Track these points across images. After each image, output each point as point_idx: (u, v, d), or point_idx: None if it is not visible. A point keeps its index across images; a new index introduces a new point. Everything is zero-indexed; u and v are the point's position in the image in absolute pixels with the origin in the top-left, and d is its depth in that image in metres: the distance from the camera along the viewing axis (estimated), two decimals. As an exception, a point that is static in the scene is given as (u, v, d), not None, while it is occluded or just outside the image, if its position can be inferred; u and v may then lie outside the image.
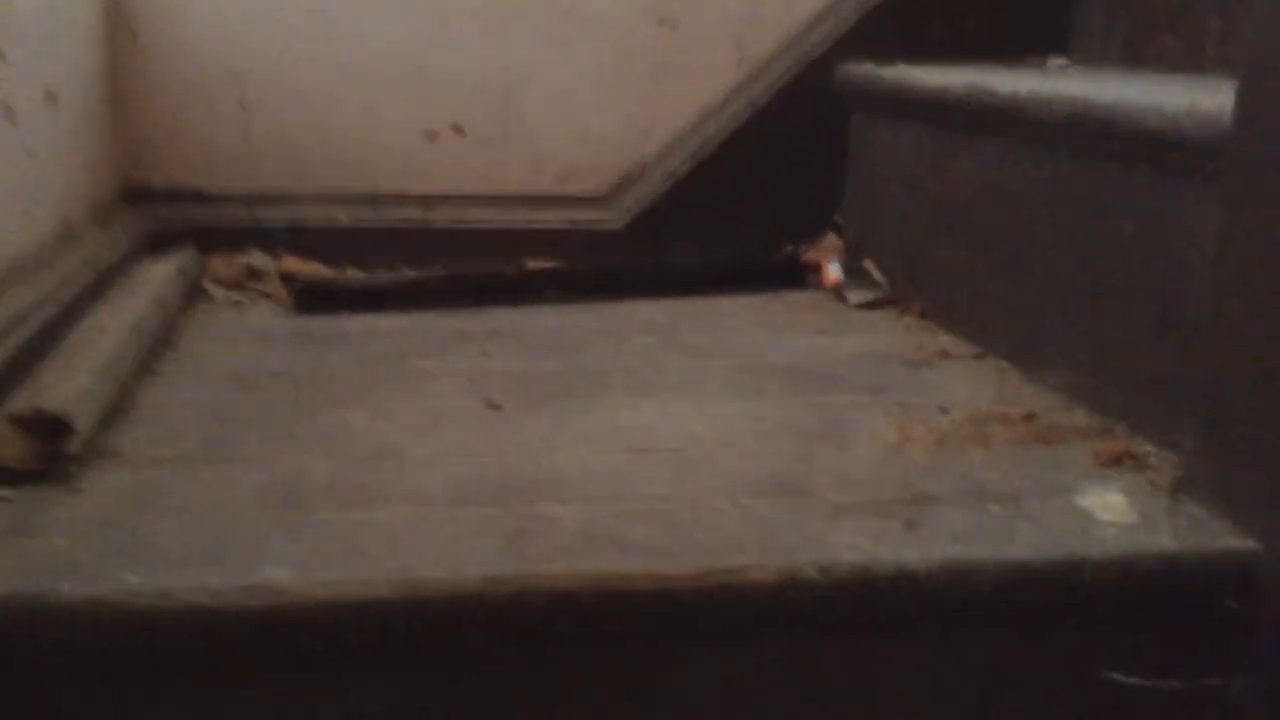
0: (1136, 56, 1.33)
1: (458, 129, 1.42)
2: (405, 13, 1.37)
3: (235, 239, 1.37)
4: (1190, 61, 1.24)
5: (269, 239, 1.38)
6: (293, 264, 1.33)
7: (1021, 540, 0.71)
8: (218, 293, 1.25)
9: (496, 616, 0.63)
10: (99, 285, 1.10)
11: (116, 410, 0.88)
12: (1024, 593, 0.68)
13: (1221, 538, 0.71)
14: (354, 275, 1.34)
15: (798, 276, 1.39)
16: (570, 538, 0.69)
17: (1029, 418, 0.93)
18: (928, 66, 1.30)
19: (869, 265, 1.34)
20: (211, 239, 1.36)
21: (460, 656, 0.65)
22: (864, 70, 1.37)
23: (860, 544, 0.69)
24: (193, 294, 1.23)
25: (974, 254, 1.15)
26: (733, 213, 1.46)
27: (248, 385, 0.97)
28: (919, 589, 0.67)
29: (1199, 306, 0.81)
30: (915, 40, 1.42)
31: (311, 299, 1.22)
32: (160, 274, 1.16)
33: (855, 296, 1.30)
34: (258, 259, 1.33)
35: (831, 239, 1.44)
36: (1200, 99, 0.82)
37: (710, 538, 0.70)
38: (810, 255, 1.43)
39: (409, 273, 1.32)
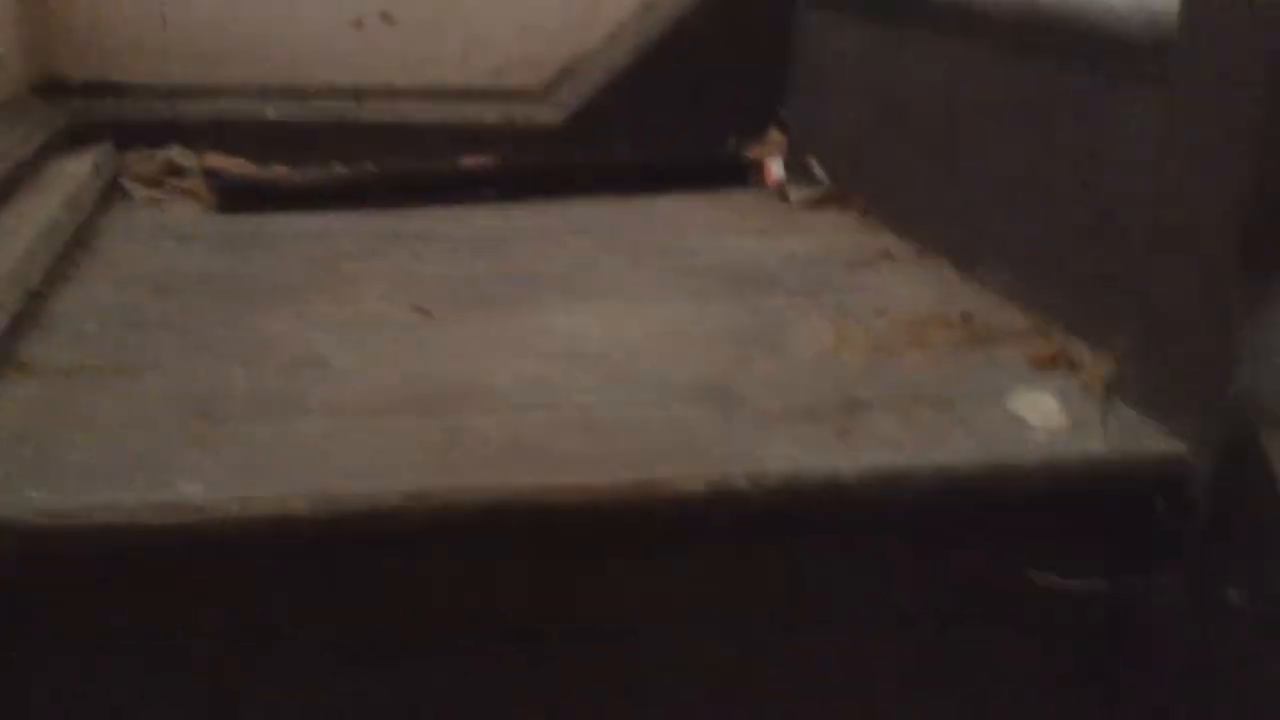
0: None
1: (386, 16, 1.36)
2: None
3: (156, 135, 1.31)
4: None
5: (191, 135, 1.32)
6: (217, 160, 1.28)
7: (952, 446, 0.70)
8: (137, 191, 1.20)
9: (420, 533, 0.62)
10: (7, 184, 1.04)
11: (25, 318, 0.84)
12: (954, 499, 0.68)
13: (1151, 441, 0.71)
14: (281, 172, 1.29)
15: (741, 175, 1.36)
16: (496, 450, 0.67)
17: (966, 318, 0.92)
18: None
19: (812, 163, 1.31)
20: (131, 135, 1.30)
21: (383, 574, 0.63)
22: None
23: (792, 453, 0.68)
24: (110, 193, 1.18)
25: (918, 153, 1.13)
26: (676, 108, 1.42)
27: (165, 290, 0.93)
28: (849, 497, 0.66)
29: (1138, 210, 0.80)
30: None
31: (235, 198, 1.18)
32: (74, 172, 1.11)
33: (797, 195, 1.28)
34: (179, 155, 1.28)
35: (776, 135, 1.41)
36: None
37: (639, 448, 0.69)
38: (754, 152, 1.40)
39: (339, 170, 1.28)
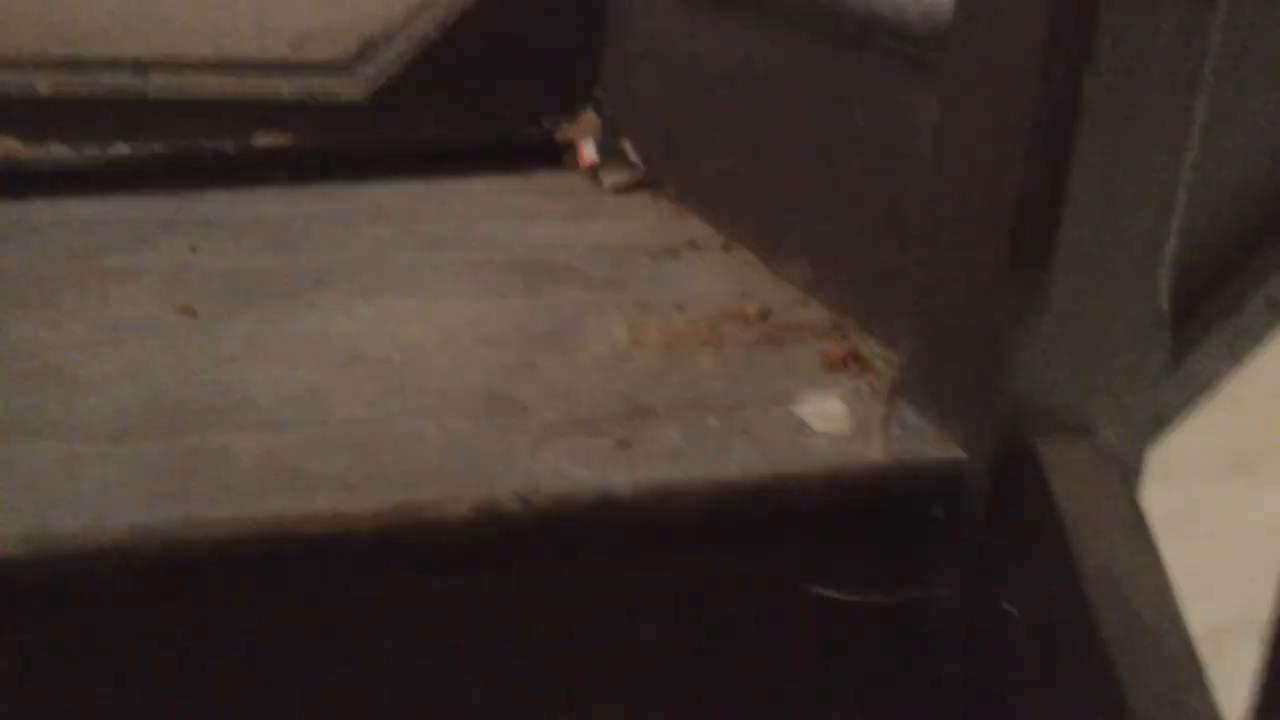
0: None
1: (171, -18, 1.27)
2: None
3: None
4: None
5: (-50, 110, 1.20)
6: (-23, 138, 1.17)
7: (735, 456, 0.68)
8: (-120, 174, 1.09)
9: (147, 571, 0.57)
10: None
11: None
12: (731, 513, 0.66)
13: (930, 446, 0.70)
14: (52, 152, 1.19)
15: (553, 155, 1.32)
16: (245, 474, 0.62)
17: (764, 315, 0.90)
18: None
19: (626, 145, 1.28)
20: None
21: (109, 618, 0.58)
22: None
23: (567, 468, 0.65)
24: None
25: (723, 137, 1.11)
26: (487, 84, 1.37)
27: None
28: (624, 515, 0.64)
29: (921, 206, 0.79)
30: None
31: (-5, 181, 1.08)
32: None
33: (609, 179, 1.25)
34: (-66, 136, 1.17)
35: (591, 116, 1.37)
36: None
37: (408, 467, 0.65)
38: (567, 132, 1.36)
39: (115, 150, 1.19)
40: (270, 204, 1.12)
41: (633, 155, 1.27)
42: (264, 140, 1.27)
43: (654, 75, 1.25)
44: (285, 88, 1.32)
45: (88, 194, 1.10)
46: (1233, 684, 1.06)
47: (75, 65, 1.26)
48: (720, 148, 1.11)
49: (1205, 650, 0.60)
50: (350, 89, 1.34)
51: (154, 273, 0.91)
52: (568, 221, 1.13)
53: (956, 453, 0.70)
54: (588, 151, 1.28)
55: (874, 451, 0.70)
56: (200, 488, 0.61)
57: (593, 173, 1.27)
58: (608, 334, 0.86)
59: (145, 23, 1.27)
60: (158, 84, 1.29)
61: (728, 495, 0.65)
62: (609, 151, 1.29)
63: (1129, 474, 0.70)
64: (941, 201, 0.71)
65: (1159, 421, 0.80)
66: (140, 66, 1.28)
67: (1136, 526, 0.64)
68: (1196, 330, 0.83)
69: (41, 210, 1.05)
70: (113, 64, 1.28)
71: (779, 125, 1.00)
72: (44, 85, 1.24)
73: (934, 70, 0.77)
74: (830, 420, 0.73)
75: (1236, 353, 0.85)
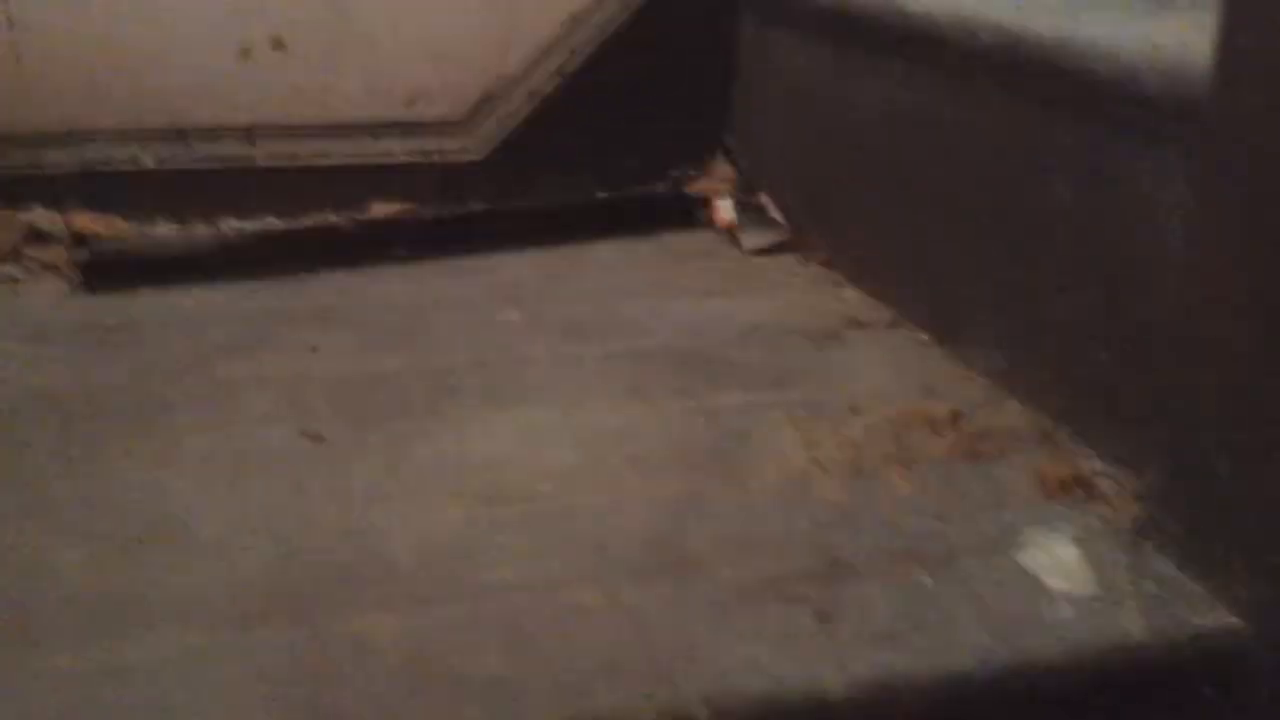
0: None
1: (277, 43, 1.19)
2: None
3: (15, 190, 1.14)
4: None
5: (57, 189, 1.15)
6: (85, 221, 1.11)
7: (962, 634, 0.57)
8: (-11, 268, 1.04)
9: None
10: None
11: None
12: (960, 707, 0.55)
13: (1197, 612, 0.58)
14: (158, 234, 1.12)
15: (686, 213, 1.22)
16: (390, 677, 0.53)
17: (955, 418, 0.79)
18: None
19: (766, 202, 1.17)
20: (-14, 191, 1.13)
21: None
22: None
23: (761, 654, 0.55)
24: (-44, 273, 1.02)
25: (884, 197, 0.99)
26: (610, 135, 1.27)
27: (7, 418, 0.77)
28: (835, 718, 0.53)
29: (1159, 298, 0.67)
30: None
31: (103, 272, 1.01)
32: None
33: (750, 241, 1.14)
34: (43, 217, 1.11)
35: (723, 166, 1.26)
36: (1167, 43, 0.66)
37: (574, 658, 0.55)
38: (700, 186, 1.25)
39: (226, 229, 1.11)
40: (390, 285, 1.04)
41: (774, 212, 1.16)
42: (379, 207, 1.20)
43: (795, 122, 1.14)
44: (399, 148, 1.25)
45: (197, 280, 1.03)
46: None
47: (181, 136, 1.20)
48: (879, 208, 1.00)
49: None
50: (467, 146, 1.25)
51: (273, 383, 0.83)
52: (711, 296, 1.02)
53: (1231, 621, 0.57)
54: (724, 210, 1.17)
55: (1129, 620, 0.58)
56: (335, 696, 0.51)
57: (730, 233, 1.16)
58: (779, 451, 0.75)
59: (253, 88, 1.20)
60: (267, 151, 1.22)
61: (960, 692, 0.54)
62: (747, 209, 1.18)
63: None
64: (1202, 301, 0.59)
65: None
66: (249, 133, 1.22)
67: None
68: None
69: (147, 305, 0.98)
70: (218, 133, 1.21)
71: (956, 189, 0.88)
72: (149, 157, 1.19)
73: (1175, 144, 0.64)
74: (1068, 575, 0.61)
75: None
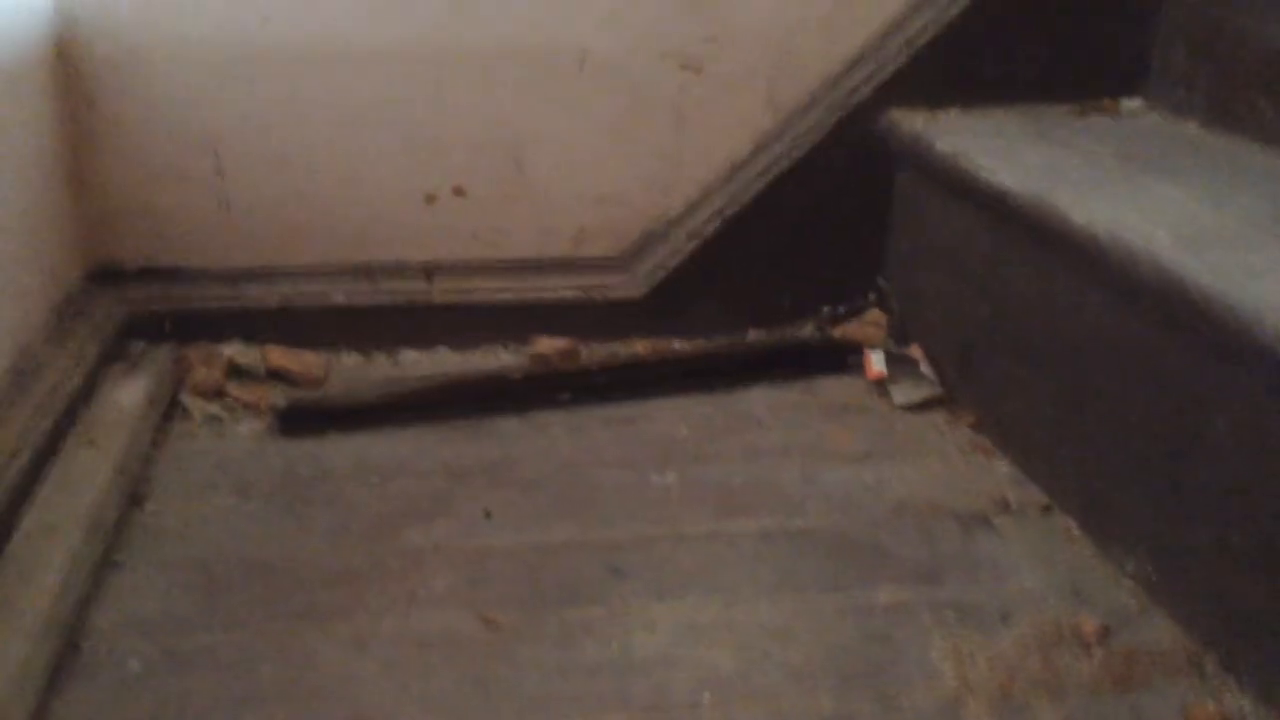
0: (1225, 113, 1.15)
1: (459, 191, 1.28)
2: (396, 66, 1.21)
3: (217, 323, 1.25)
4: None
5: (255, 323, 1.25)
6: (280, 358, 1.21)
7: None
8: (195, 407, 1.14)
9: None
10: (56, 432, 0.99)
11: (65, 651, 0.77)
12: None
13: None
14: (349, 382, 1.21)
15: (837, 360, 1.25)
16: None
17: (1103, 634, 0.81)
18: (985, 117, 1.17)
19: (919, 359, 1.20)
20: (192, 324, 1.24)
21: None
22: (912, 130, 1.20)
23: None
24: (169, 414, 1.12)
25: (1035, 377, 1.01)
26: (764, 276, 1.32)
27: (216, 589, 0.86)
28: None
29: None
30: (969, 81, 1.26)
31: (299, 419, 1.11)
32: (128, 406, 1.05)
33: (901, 395, 1.17)
34: (241, 353, 1.21)
35: (874, 312, 1.29)
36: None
37: None
38: (850, 329, 1.29)
39: (405, 382, 1.19)
40: (556, 435, 1.11)
41: (924, 368, 1.19)
42: (545, 344, 1.27)
43: (949, 280, 1.17)
44: (564, 285, 1.32)
45: (384, 425, 1.11)
46: None
47: (367, 272, 1.29)
48: (1030, 384, 1.02)
49: None
50: (628, 283, 1.32)
51: (451, 557, 0.90)
52: (862, 463, 1.06)
53: None
54: (875, 362, 1.21)
55: None
56: None
57: (880, 384, 1.19)
58: (931, 669, 0.78)
59: (433, 230, 1.28)
60: (444, 289, 1.30)
61: None
62: (896, 358, 1.21)
63: None
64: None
65: None
66: (428, 271, 1.30)
67: None
68: None
69: (340, 454, 1.06)
70: (401, 269, 1.30)
71: (1110, 393, 0.89)
72: (338, 293, 1.28)
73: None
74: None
75: None
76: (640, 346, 1.30)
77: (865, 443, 1.10)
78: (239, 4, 1.16)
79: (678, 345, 1.31)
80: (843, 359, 1.25)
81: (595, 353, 1.27)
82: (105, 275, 1.25)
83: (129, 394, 1.08)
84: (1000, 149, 1.09)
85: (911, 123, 1.21)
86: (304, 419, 1.11)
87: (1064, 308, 0.96)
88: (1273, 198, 0.92)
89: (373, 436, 1.10)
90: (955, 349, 1.16)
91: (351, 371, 1.24)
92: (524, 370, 1.21)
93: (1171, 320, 0.81)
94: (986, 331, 1.10)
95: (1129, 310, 0.87)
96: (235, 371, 1.20)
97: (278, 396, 1.13)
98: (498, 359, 1.28)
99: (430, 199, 1.28)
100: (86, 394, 1.07)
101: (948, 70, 1.25)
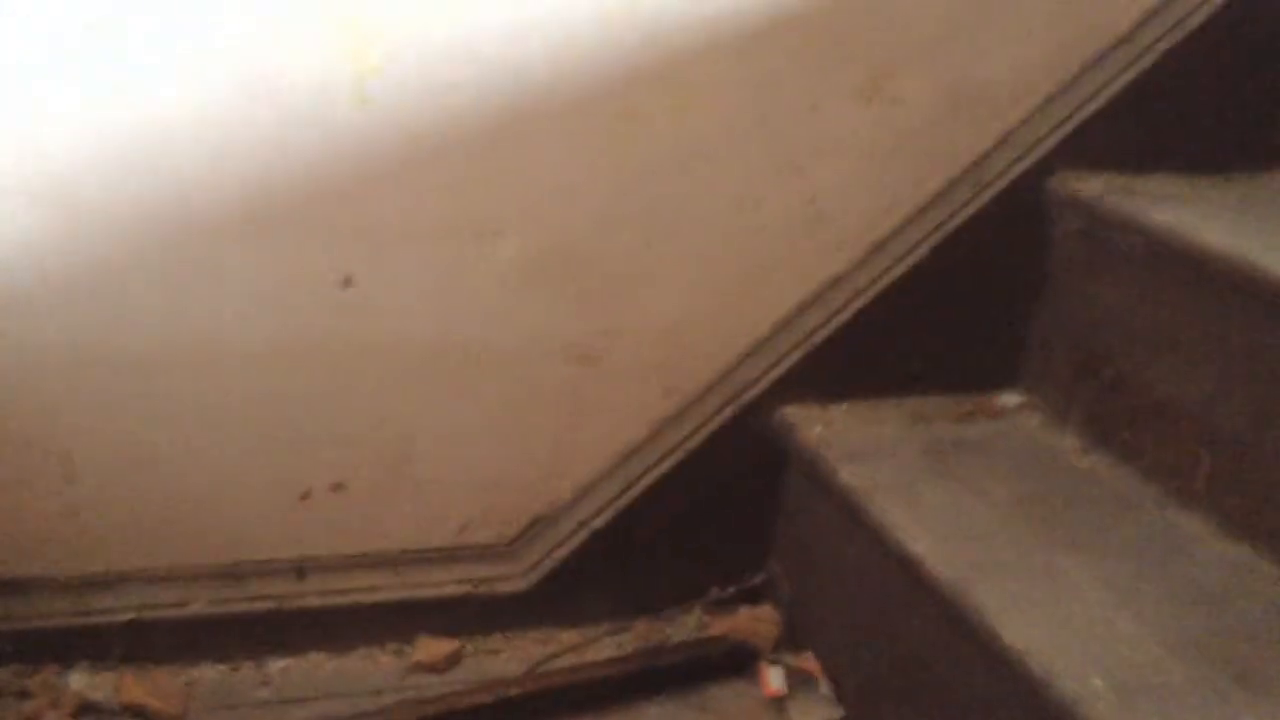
0: (1104, 436, 1.19)
1: (338, 486, 1.19)
2: (275, 363, 1.12)
3: (64, 644, 1.13)
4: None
5: (105, 641, 1.14)
6: (135, 690, 1.10)
7: None
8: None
9: None
10: None
11: None
12: None
13: None
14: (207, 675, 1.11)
15: (735, 664, 1.23)
16: None
17: None
18: (872, 420, 1.18)
19: (813, 668, 1.19)
20: (36, 644, 1.12)
21: None
22: (806, 440, 1.20)
23: None
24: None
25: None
26: (654, 563, 1.29)
27: None
28: None
29: None
30: (858, 377, 1.27)
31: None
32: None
33: (801, 719, 1.15)
34: (90, 685, 1.10)
35: (766, 609, 1.28)
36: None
37: None
38: (741, 622, 1.26)
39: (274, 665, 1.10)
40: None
41: (825, 686, 1.18)
42: (425, 650, 1.20)
43: (846, 595, 1.16)
44: (447, 579, 1.25)
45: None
46: None
47: (233, 574, 1.20)
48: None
49: None
50: (514, 574, 1.26)
51: None
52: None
53: None
54: (773, 680, 1.19)
55: None
56: None
57: (778, 704, 1.18)
58: None
59: (308, 526, 1.20)
60: (316, 590, 1.22)
61: None
62: (795, 673, 1.19)
63: None
64: None
65: None
66: (300, 569, 1.21)
67: None
68: None
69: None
70: (270, 567, 1.21)
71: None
72: (199, 600, 1.18)
73: None
74: None
75: None
76: (525, 646, 1.25)
77: (769, 789, 1.08)
78: (92, 309, 1.05)
79: (565, 637, 1.27)
80: (741, 663, 1.23)
81: (473, 668, 1.21)
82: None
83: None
84: (902, 485, 1.10)
85: (807, 430, 1.21)
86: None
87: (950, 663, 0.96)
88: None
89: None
90: (854, 665, 1.16)
91: (214, 690, 1.14)
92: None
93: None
94: (890, 673, 1.10)
95: None
96: (85, 708, 1.09)
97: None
98: (375, 664, 1.21)
99: (306, 495, 1.19)
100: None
101: (837, 370, 1.26)
